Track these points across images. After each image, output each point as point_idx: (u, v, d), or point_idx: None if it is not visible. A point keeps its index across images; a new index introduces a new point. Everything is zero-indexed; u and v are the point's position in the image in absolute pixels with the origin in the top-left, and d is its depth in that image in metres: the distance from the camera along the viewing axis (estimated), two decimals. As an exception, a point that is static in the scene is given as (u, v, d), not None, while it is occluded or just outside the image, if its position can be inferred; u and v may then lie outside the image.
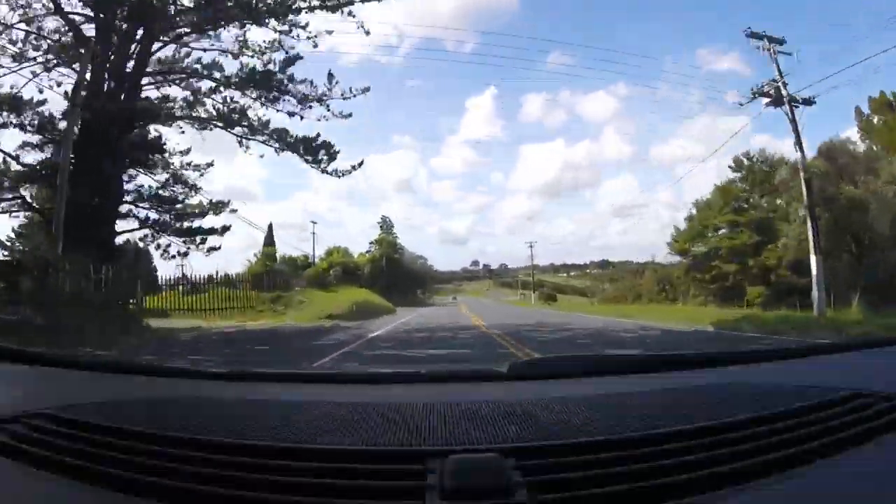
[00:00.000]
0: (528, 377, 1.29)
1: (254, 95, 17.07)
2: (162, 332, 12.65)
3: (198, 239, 19.18)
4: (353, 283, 37.72)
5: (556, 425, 0.80)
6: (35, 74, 14.77)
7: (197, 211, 19.20)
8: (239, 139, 17.54)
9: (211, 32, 16.72)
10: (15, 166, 15.55)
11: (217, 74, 16.77)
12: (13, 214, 16.52)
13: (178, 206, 19.12)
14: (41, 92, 15.35)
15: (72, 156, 13.02)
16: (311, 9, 16.48)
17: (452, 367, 1.57)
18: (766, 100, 16.11)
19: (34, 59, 14.93)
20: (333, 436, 0.77)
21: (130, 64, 15.68)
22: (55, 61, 15.02)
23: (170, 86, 17.23)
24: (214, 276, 23.03)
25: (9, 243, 15.29)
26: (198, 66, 16.90)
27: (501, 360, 1.38)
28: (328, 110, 17.38)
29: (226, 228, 19.59)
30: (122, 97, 15.17)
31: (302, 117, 17.62)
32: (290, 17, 16.42)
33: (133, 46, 15.62)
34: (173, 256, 19.32)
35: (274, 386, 1.29)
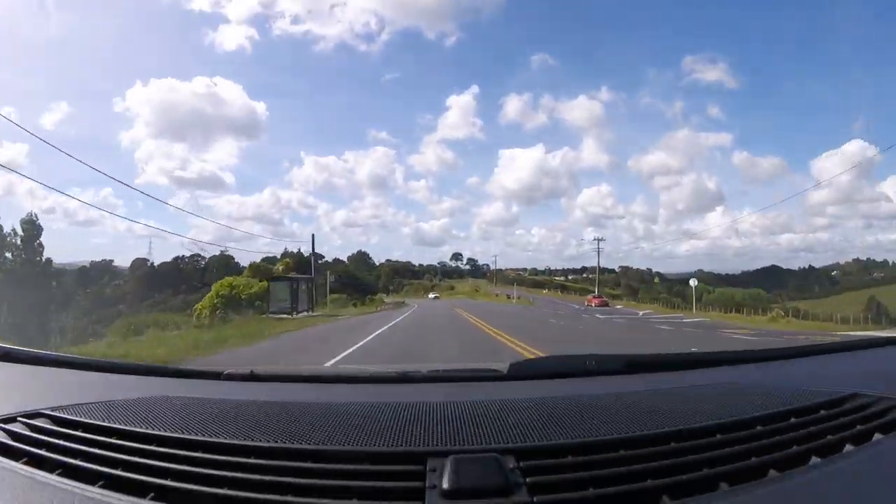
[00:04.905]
0: (527, 377, 1.29)
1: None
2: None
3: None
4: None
5: (555, 425, 0.80)
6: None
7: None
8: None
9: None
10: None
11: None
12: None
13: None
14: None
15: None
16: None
17: (452, 366, 1.57)
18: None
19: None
20: (333, 436, 0.77)
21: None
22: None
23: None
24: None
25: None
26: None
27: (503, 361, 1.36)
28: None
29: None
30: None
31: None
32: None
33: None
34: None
35: (273, 386, 1.29)
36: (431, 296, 77.86)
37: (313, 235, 35.15)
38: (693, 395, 1.01)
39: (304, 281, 27.94)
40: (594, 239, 59.23)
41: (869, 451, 0.77)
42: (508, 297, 65.19)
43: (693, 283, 37.47)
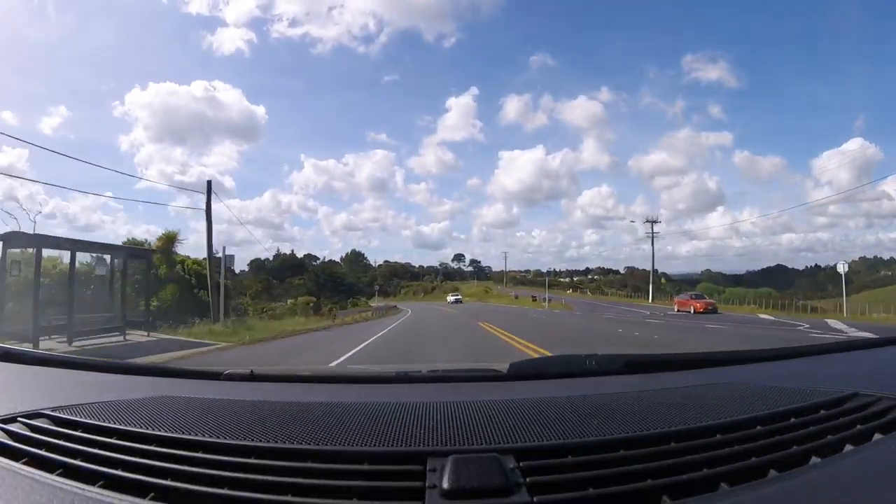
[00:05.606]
0: (527, 377, 1.30)
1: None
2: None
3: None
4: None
5: (556, 425, 0.80)
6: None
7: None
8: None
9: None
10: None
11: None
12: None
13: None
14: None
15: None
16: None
17: (452, 366, 1.57)
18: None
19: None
20: (333, 436, 0.77)
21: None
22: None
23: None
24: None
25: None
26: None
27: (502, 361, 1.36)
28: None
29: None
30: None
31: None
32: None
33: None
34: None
35: (273, 386, 1.29)
36: (451, 298, 59.36)
37: (209, 182, 18.66)
38: (693, 395, 1.01)
39: (113, 256, 13.35)
40: (646, 221, 50.56)
41: (869, 451, 0.77)
42: (534, 299, 51.64)
43: (842, 268, 26.35)
